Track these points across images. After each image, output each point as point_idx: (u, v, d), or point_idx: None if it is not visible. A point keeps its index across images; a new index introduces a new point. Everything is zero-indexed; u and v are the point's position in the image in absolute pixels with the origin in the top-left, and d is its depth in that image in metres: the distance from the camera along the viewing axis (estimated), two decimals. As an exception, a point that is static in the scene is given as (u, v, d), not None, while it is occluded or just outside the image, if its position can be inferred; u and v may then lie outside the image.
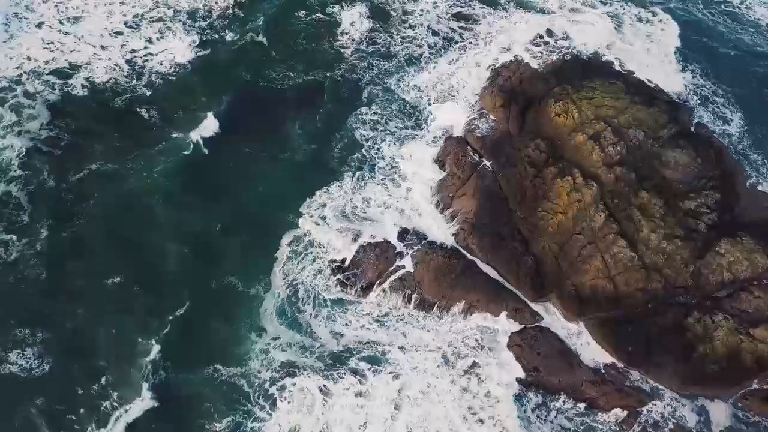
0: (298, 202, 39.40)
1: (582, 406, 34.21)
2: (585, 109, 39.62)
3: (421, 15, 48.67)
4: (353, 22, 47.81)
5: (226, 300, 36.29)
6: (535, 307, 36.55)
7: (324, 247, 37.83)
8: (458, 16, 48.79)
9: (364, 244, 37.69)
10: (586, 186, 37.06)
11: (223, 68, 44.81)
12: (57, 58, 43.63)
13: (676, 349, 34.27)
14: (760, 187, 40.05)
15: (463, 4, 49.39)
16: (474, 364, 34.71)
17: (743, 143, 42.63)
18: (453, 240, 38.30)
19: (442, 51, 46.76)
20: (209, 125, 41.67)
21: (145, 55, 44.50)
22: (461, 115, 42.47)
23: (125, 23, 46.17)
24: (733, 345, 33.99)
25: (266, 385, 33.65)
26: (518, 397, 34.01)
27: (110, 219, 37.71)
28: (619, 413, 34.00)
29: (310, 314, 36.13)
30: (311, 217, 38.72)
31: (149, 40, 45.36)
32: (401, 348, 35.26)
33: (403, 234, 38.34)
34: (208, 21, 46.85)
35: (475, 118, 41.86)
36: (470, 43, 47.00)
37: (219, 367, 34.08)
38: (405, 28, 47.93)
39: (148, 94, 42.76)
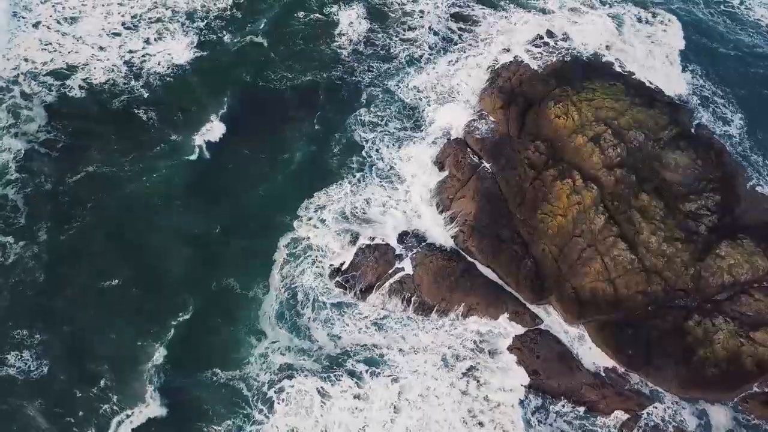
0: (297, 203, 39.30)
1: (582, 409, 34.23)
2: (585, 110, 39.50)
3: (420, 16, 48.44)
4: (351, 23, 47.57)
5: (226, 303, 36.24)
6: (535, 309, 36.49)
7: (323, 250, 37.74)
8: (457, 17, 48.55)
9: (363, 247, 37.59)
10: (586, 188, 36.95)
11: (221, 69, 44.58)
12: (54, 58, 43.26)
13: (676, 352, 34.27)
14: (760, 189, 39.96)
15: (463, 5, 49.14)
16: (473, 367, 34.64)
17: (744, 144, 42.58)
18: (452, 242, 38.19)
19: (442, 52, 46.54)
20: (215, 128, 41.43)
21: (143, 56, 44.23)
22: (461, 116, 42.29)
23: (123, 24, 45.84)
24: (733, 348, 33.97)
25: (264, 388, 33.64)
26: (518, 401, 33.87)
27: (108, 221, 37.57)
28: (619, 416, 33.96)
29: (309, 317, 36.05)
30: (309, 220, 38.62)
31: (147, 41, 45.05)
32: (400, 351, 35.20)
33: (402, 236, 38.24)
34: (206, 22, 46.58)
35: (474, 120, 41.73)
36: (470, 44, 46.80)
37: (218, 370, 34.09)
38: (404, 29, 47.68)
39: (147, 95, 42.53)
